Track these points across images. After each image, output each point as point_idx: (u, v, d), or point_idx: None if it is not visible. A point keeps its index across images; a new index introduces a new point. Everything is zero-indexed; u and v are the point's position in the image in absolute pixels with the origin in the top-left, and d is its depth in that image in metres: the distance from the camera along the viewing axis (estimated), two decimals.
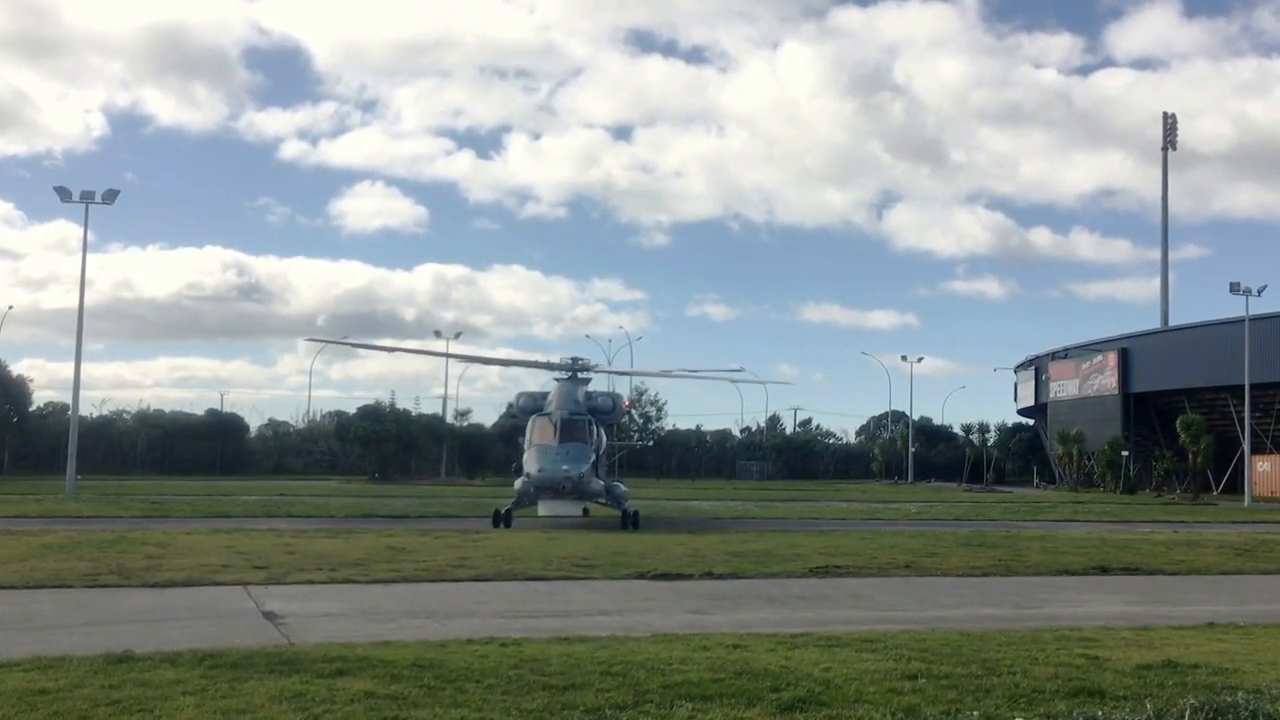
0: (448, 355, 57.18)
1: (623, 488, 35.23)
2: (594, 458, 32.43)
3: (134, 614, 13.59)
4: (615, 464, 42.53)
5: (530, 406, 34.32)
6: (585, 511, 34.40)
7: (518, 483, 32.50)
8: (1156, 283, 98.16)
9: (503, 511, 31.16)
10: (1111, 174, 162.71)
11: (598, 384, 36.79)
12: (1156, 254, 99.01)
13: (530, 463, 31.50)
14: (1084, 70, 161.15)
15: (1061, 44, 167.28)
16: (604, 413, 34.77)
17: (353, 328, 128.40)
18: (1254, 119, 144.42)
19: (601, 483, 33.03)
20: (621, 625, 13.11)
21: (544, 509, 31.42)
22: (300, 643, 11.50)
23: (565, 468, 30.53)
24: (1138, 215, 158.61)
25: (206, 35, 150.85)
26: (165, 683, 9.21)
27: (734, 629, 12.76)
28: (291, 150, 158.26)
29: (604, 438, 35.34)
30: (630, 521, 31.27)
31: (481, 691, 9.15)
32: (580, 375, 35.34)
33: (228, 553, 20.34)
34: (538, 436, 32.07)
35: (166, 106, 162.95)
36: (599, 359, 39.24)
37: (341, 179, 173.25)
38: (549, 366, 36.61)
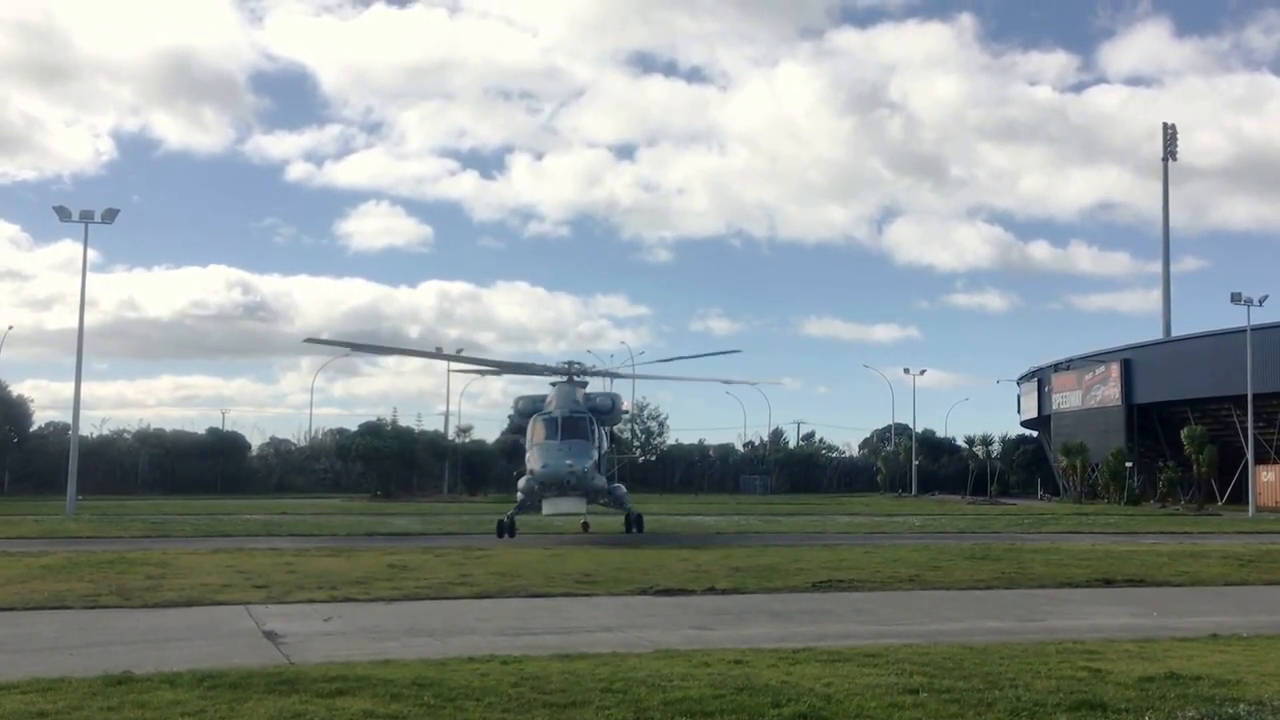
0: (447, 357, 56.89)
1: (624, 489, 35.48)
2: (596, 455, 32.49)
3: (134, 635, 13.56)
4: (614, 474, 42.59)
5: (530, 409, 34.47)
6: (586, 526, 34.38)
7: (521, 482, 32.57)
8: (1155, 295, 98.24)
9: (505, 520, 31.17)
10: (1109, 188, 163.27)
11: (595, 387, 37.21)
12: (1154, 266, 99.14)
13: (534, 460, 31.51)
14: (1078, 87, 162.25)
15: (1056, 62, 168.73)
16: (603, 412, 34.90)
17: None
18: (1248, 133, 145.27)
19: (604, 480, 33.10)
20: (623, 641, 13.07)
21: (548, 508, 31.32)
22: (300, 662, 11.47)
23: (569, 462, 30.56)
24: (1135, 228, 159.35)
25: (215, 60, 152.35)
26: (164, 704, 9.18)
27: (736, 644, 12.71)
28: (298, 172, 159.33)
29: (605, 439, 35.47)
30: (634, 524, 31.24)
31: (482, 710, 9.12)
32: (577, 379, 35.56)
33: (228, 572, 20.32)
34: (540, 435, 32.12)
35: (175, 130, 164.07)
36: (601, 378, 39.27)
37: (347, 199, 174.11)
38: (545, 371, 36.76)
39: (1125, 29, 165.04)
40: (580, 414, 32.76)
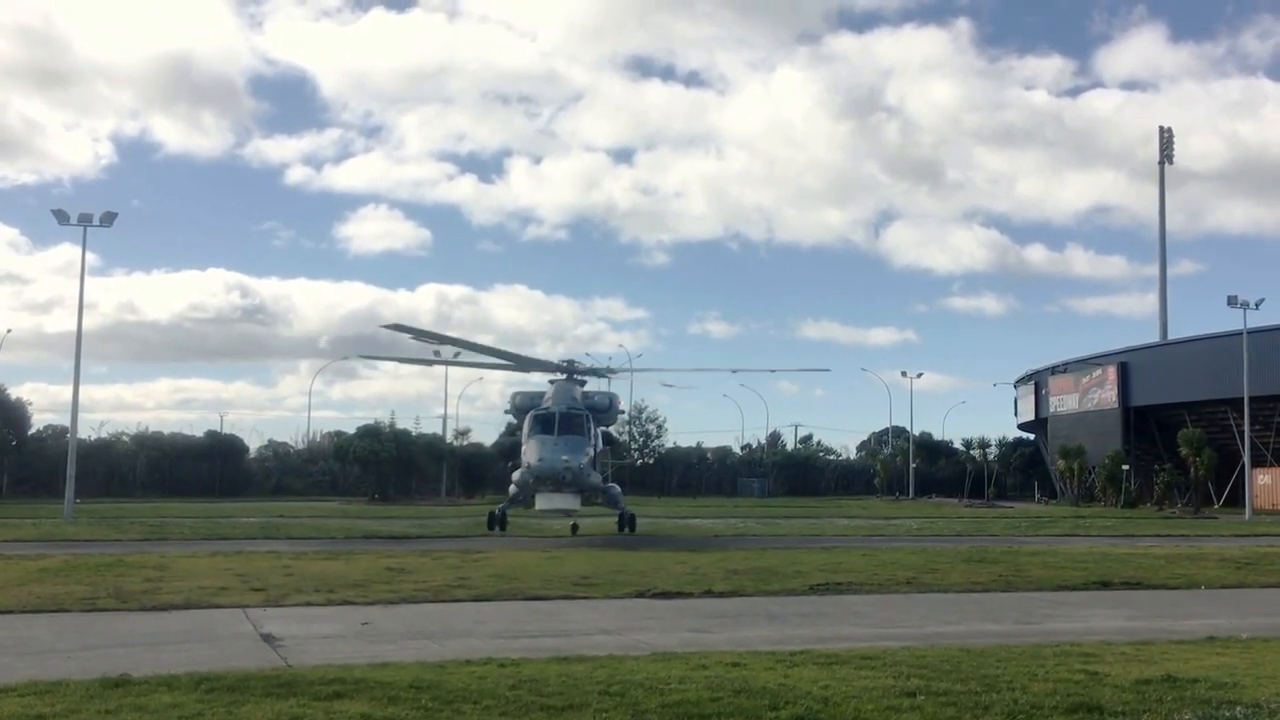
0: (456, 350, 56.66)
1: (618, 489, 35.51)
2: (592, 453, 32.51)
3: (131, 638, 13.55)
4: (608, 475, 42.82)
5: (526, 404, 34.54)
6: (575, 529, 34.31)
7: (516, 475, 32.53)
8: (1151, 298, 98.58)
9: (497, 512, 31.09)
10: (1105, 192, 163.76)
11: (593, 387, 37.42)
12: (1151, 270, 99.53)
13: (529, 453, 31.48)
14: (1074, 92, 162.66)
15: (1052, 66, 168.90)
16: (600, 411, 34.96)
17: (356, 347, 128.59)
18: (1243, 137, 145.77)
19: (599, 478, 33.11)
20: (620, 644, 13.08)
21: (541, 503, 31.26)
22: (298, 665, 11.48)
23: (565, 457, 30.58)
24: (1131, 232, 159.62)
25: (214, 65, 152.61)
26: (162, 706, 9.18)
27: (733, 647, 12.72)
28: (297, 175, 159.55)
29: (601, 438, 35.53)
30: (627, 524, 31.16)
31: (479, 713, 9.12)
32: (576, 377, 35.64)
33: (226, 575, 20.31)
34: (536, 430, 32.14)
35: (174, 134, 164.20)
36: (598, 377, 39.46)
37: (346, 203, 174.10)
38: (547, 367, 36.85)
39: (1121, 34, 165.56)
40: (577, 411, 32.83)
